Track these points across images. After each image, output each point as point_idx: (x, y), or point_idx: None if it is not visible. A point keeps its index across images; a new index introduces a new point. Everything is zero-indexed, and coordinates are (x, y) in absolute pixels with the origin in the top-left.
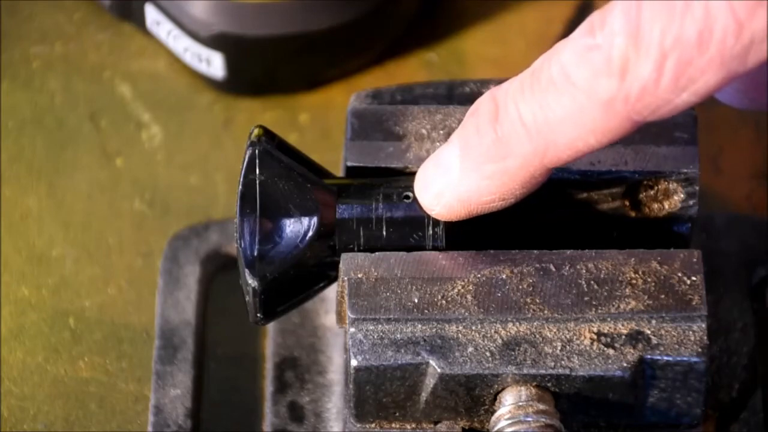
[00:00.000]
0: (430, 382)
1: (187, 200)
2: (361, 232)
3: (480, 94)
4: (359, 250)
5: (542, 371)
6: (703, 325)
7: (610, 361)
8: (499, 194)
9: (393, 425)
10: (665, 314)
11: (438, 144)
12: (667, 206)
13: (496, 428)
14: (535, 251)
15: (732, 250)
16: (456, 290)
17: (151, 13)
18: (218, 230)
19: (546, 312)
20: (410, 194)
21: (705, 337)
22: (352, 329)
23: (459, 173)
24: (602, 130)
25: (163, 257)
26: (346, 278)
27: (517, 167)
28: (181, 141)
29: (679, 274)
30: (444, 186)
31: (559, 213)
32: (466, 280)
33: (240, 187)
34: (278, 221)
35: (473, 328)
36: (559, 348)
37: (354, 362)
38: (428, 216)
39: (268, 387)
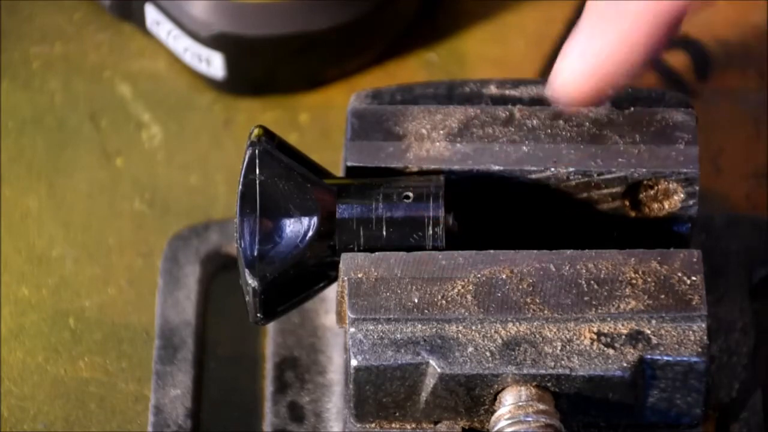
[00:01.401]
0: (430, 382)
1: (187, 200)
2: (361, 232)
3: (480, 94)
4: (359, 250)
5: (542, 371)
6: (703, 325)
7: (610, 361)
8: (624, 53)
9: (393, 425)
10: (665, 314)
11: (438, 144)
12: (667, 206)
13: (496, 428)
14: (535, 251)
15: (732, 250)
16: (456, 290)
17: (151, 13)
18: (218, 230)
19: (546, 312)
20: (410, 194)
21: (705, 337)
22: (352, 329)
23: (586, 39)
24: None
25: (163, 257)
26: (346, 278)
27: (635, 24)
28: (181, 141)
29: (679, 274)
30: (573, 59)
31: (559, 213)
32: (466, 280)
33: (240, 187)
34: (278, 221)
35: (473, 328)
36: (559, 348)
37: (354, 362)
38: (428, 216)
39: (268, 387)
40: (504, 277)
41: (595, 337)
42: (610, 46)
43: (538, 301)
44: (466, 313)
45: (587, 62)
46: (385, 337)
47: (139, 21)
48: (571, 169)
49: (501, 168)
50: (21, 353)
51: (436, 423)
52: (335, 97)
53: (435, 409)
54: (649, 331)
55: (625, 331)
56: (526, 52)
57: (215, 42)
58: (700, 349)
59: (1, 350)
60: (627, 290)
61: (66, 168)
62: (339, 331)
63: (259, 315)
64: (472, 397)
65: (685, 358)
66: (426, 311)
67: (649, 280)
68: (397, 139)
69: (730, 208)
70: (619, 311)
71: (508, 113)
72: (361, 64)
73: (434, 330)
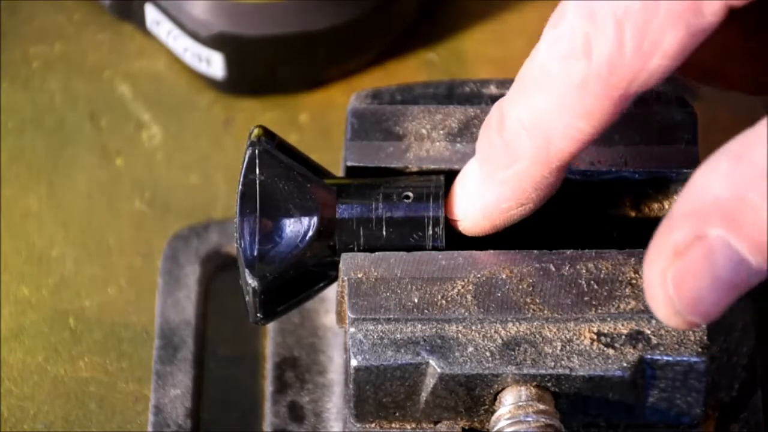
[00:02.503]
0: (430, 382)
1: (187, 200)
2: (361, 232)
3: (480, 94)
4: (359, 250)
5: (542, 371)
6: (703, 325)
7: (610, 361)
8: (515, 200)
9: (393, 425)
10: None
11: (438, 144)
12: (667, 206)
13: (496, 428)
14: (535, 251)
15: None
16: (456, 290)
17: (151, 13)
18: (218, 230)
19: (546, 312)
20: (410, 194)
21: (705, 337)
22: (352, 329)
23: (479, 184)
24: (587, 113)
25: (163, 257)
26: (346, 278)
27: (527, 169)
28: (181, 141)
29: None
30: (467, 198)
31: (559, 213)
32: (466, 280)
33: (240, 187)
34: (278, 221)
35: (473, 328)
36: (559, 348)
37: (354, 362)
38: (428, 216)
39: (268, 387)
40: (504, 277)
41: (595, 337)
42: (502, 193)
43: (538, 301)
44: (466, 313)
45: (479, 208)
46: (385, 337)
47: (139, 21)
48: (571, 169)
49: None
50: (21, 353)
51: (436, 423)
52: (335, 97)
53: (435, 409)
54: (649, 331)
55: (625, 331)
56: (526, 52)
57: (215, 42)
58: (700, 349)
59: (1, 350)
60: (627, 290)
61: (66, 168)
62: (339, 331)
63: (259, 315)
64: (472, 397)
65: (685, 358)
66: (426, 311)
67: None
68: (397, 139)
69: None
70: (619, 311)
71: None
72: (361, 64)
73: (434, 330)
